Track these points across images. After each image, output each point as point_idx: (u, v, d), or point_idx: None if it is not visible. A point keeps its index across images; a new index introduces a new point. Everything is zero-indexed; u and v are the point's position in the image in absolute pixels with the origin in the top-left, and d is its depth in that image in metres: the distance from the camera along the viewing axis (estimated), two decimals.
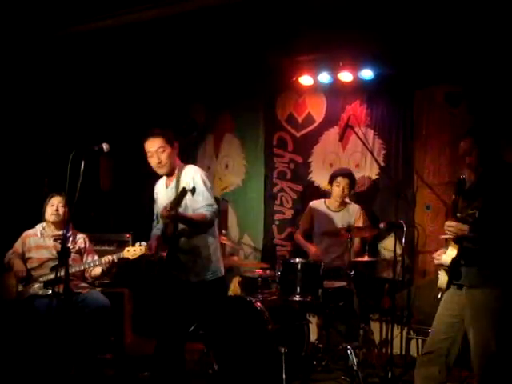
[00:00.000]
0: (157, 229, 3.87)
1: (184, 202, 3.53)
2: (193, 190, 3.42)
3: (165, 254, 3.62)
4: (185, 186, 3.43)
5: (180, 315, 3.63)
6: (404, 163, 5.19)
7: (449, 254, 3.02)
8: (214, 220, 3.67)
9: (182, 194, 3.41)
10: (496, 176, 3.05)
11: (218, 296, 3.84)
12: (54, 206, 4.33)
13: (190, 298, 3.62)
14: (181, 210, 3.54)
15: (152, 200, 5.83)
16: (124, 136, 5.92)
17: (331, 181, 4.99)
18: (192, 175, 3.65)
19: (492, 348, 2.90)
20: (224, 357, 4.11)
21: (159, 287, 3.78)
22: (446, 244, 3.14)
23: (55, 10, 4.51)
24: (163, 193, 3.82)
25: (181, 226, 3.59)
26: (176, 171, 3.73)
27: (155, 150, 3.64)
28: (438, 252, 3.22)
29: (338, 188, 4.92)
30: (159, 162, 3.66)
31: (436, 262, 3.18)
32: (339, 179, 4.91)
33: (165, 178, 3.85)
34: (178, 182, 3.67)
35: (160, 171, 3.75)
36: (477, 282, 2.98)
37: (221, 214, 5.05)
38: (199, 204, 3.57)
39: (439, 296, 3.20)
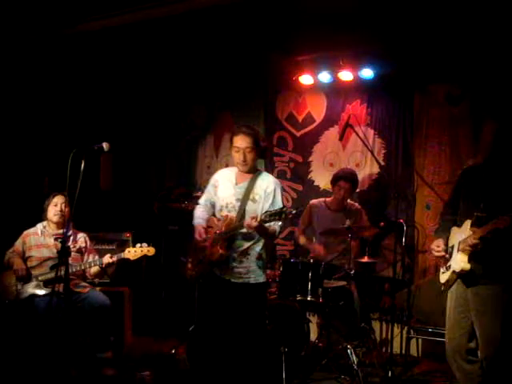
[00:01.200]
0: (202, 219, 3.85)
1: (254, 208, 3.61)
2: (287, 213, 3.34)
3: (222, 251, 3.61)
4: (285, 209, 3.35)
5: (217, 315, 3.67)
6: (404, 162, 5.19)
7: (462, 260, 3.08)
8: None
9: (277, 215, 3.34)
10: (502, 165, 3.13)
11: (257, 300, 3.78)
12: (58, 206, 4.33)
13: (229, 299, 3.64)
14: (247, 214, 3.59)
15: (152, 199, 5.91)
16: (124, 136, 5.94)
17: (333, 182, 4.97)
18: (274, 186, 3.71)
19: (498, 340, 3.01)
20: (224, 356, 4.11)
21: (201, 286, 3.81)
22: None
23: (50, 11, 4.50)
24: (228, 186, 3.80)
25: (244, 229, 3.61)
26: (252, 173, 3.76)
27: (244, 147, 3.67)
28: (435, 244, 3.29)
29: (340, 191, 4.91)
30: (244, 160, 3.69)
31: (436, 254, 3.26)
32: (341, 183, 4.89)
33: (233, 171, 3.85)
34: (252, 184, 3.70)
35: (241, 168, 3.76)
36: (482, 277, 3.06)
37: None
38: None
39: (442, 289, 3.30)
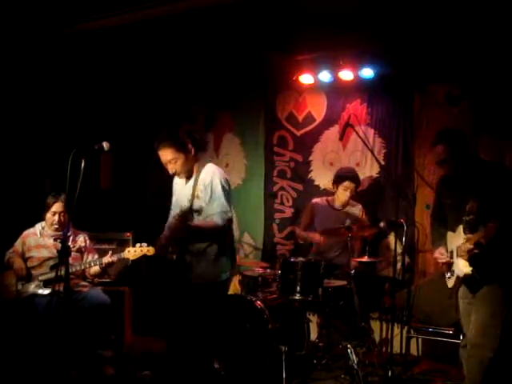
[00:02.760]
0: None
1: (199, 205, 3.56)
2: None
3: (174, 256, 3.63)
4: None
5: (188, 317, 3.65)
6: (404, 162, 5.18)
7: (464, 265, 3.15)
8: (226, 226, 3.61)
9: (186, 213, 3.36)
10: (476, 173, 3.20)
11: (221, 298, 3.81)
12: (56, 216, 4.31)
13: (195, 300, 3.62)
14: (196, 213, 3.57)
15: (152, 198, 5.91)
16: (124, 135, 5.93)
17: (338, 182, 4.96)
18: (211, 177, 3.60)
19: (489, 330, 3.09)
20: (224, 356, 4.11)
21: (168, 289, 3.81)
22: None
23: (50, 10, 4.50)
24: (181, 186, 3.79)
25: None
26: (195, 170, 3.70)
27: (168, 160, 3.61)
28: (438, 252, 3.33)
29: (346, 192, 4.92)
30: (174, 172, 3.66)
31: (442, 261, 3.31)
32: (347, 183, 4.89)
33: None
34: (196, 181, 3.65)
35: (178, 177, 3.76)
36: (482, 281, 3.13)
37: None
38: (213, 210, 3.54)
39: (450, 293, 3.37)
